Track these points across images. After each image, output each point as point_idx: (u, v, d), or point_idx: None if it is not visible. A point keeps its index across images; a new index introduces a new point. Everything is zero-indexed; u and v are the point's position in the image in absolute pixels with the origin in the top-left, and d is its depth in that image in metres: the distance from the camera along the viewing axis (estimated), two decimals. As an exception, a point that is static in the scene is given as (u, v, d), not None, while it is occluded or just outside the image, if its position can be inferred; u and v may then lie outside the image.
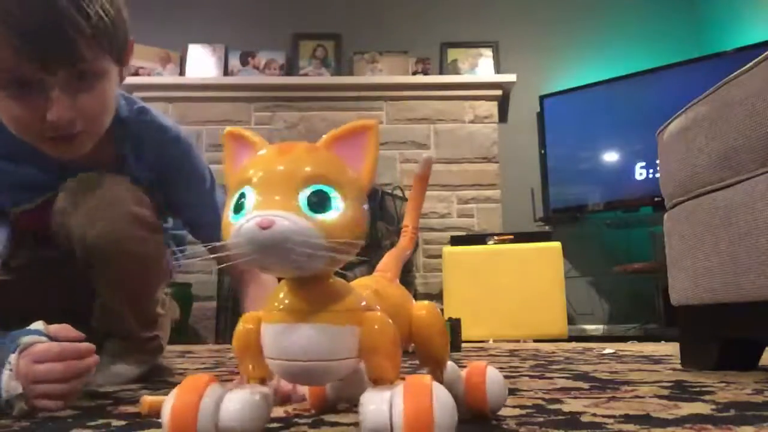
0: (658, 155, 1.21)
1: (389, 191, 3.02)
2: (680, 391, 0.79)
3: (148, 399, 0.65)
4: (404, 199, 2.96)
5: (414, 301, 0.58)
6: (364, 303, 0.49)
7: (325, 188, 0.45)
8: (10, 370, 0.66)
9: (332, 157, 0.47)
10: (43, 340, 0.69)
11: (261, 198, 0.44)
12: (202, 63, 3.43)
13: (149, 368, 1.03)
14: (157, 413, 0.50)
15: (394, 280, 0.61)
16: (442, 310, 2.79)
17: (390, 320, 0.48)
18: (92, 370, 0.72)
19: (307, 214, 0.43)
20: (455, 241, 2.93)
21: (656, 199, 2.64)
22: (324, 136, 0.48)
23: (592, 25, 3.44)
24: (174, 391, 0.46)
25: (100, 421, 0.61)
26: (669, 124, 1.16)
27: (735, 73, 0.95)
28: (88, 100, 0.83)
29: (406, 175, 3.24)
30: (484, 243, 2.84)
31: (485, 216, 3.29)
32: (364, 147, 0.48)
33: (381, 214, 2.86)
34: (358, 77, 3.39)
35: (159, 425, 0.46)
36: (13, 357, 0.67)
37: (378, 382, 0.47)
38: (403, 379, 0.45)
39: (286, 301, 0.48)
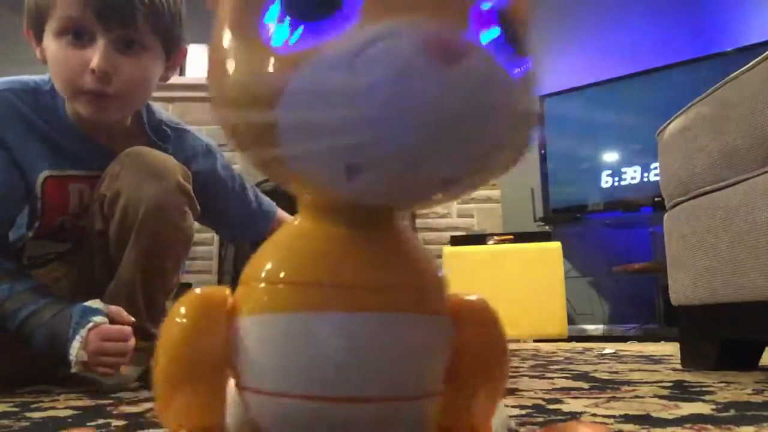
0: (658, 155, 1.21)
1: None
2: (680, 391, 0.79)
3: None
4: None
5: None
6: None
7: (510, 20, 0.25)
8: (80, 341, 0.83)
9: None
10: (106, 320, 0.86)
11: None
12: (202, 63, 3.42)
13: (145, 369, 1.02)
14: None
15: None
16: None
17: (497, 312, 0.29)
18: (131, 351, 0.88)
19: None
20: (455, 241, 2.93)
21: (656, 199, 2.64)
22: None
23: (593, 25, 3.44)
24: None
25: (100, 421, 0.61)
26: (669, 124, 1.16)
27: (735, 73, 0.95)
28: (129, 65, 0.91)
29: (406, 175, 3.24)
30: (484, 243, 2.84)
31: (485, 216, 3.29)
32: None
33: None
34: (358, 77, 3.39)
35: (159, 425, 0.43)
36: (84, 331, 0.84)
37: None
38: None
39: (314, 268, 0.24)
